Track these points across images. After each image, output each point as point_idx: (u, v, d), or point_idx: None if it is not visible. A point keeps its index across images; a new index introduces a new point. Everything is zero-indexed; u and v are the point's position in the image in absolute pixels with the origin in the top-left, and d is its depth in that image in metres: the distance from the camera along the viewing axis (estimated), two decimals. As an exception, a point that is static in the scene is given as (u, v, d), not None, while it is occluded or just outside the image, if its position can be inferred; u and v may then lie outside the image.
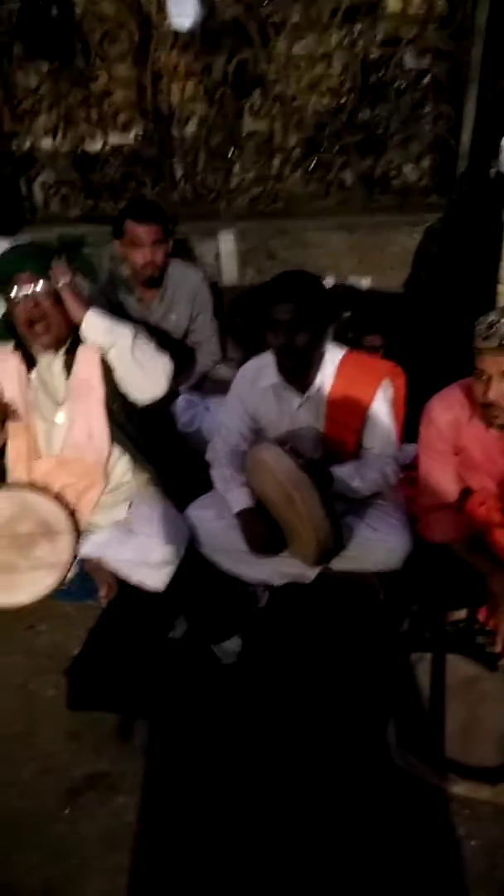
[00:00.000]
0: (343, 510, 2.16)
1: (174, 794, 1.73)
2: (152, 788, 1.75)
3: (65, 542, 2.18)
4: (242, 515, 2.14)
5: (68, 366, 2.19)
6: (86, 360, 2.17)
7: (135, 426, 2.25)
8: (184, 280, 2.92)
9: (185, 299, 2.93)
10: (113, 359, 2.15)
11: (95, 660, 2.00)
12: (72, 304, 2.10)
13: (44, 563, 2.18)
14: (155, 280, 2.82)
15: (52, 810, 1.72)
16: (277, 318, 2.02)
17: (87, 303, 2.14)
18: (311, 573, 2.16)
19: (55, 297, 2.09)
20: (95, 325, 2.12)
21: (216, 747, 1.82)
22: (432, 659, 1.87)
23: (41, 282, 2.06)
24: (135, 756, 1.82)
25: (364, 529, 2.13)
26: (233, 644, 2.03)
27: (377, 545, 2.11)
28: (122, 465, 2.27)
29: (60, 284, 2.08)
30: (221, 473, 2.25)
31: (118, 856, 1.62)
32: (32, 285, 2.05)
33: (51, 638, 2.17)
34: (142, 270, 2.75)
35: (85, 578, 2.26)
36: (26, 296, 2.05)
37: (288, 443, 2.04)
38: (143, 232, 2.68)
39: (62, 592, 2.25)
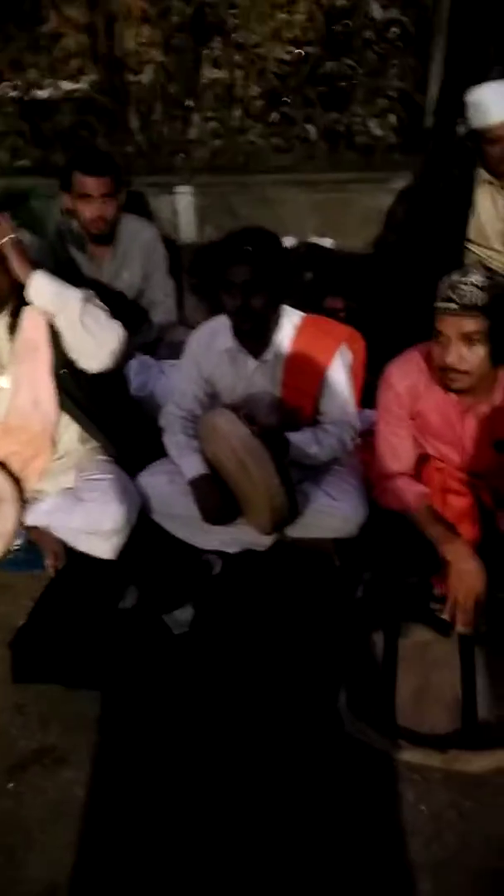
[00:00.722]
0: (299, 477, 2.11)
1: (123, 767, 1.70)
2: (101, 762, 1.71)
3: (8, 511, 2.09)
4: (196, 483, 2.08)
5: (12, 328, 2.07)
6: (32, 322, 2.05)
7: (84, 392, 2.14)
8: (137, 236, 2.80)
9: (138, 256, 2.81)
10: (61, 325, 2.01)
11: (41, 631, 1.93)
12: (17, 264, 1.97)
13: (-13, 533, 2.10)
14: (106, 236, 2.70)
15: (-4, 785, 1.68)
16: (233, 280, 1.94)
17: (34, 263, 2.02)
18: (266, 541, 2.12)
19: None
20: (42, 288, 1.99)
21: (167, 719, 1.79)
22: (385, 625, 1.85)
23: None
24: (83, 729, 1.78)
25: (320, 496, 2.09)
26: (184, 613, 1.98)
27: (333, 512, 2.07)
28: (70, 433, 2.17)
29: (4, 241, 1.95)
30: (175, 440, 2.18)
31: (64, 831, 1.58)
32: None
33: (-4, 609, 2.11)
34: (91, 225, 2.62)
35: (30, 548, 2.19)
36: None
37: (242, 409, 1.98)
38: (92, 184, 2.54)
39: (7, 562, 2.18)
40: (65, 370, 2.08)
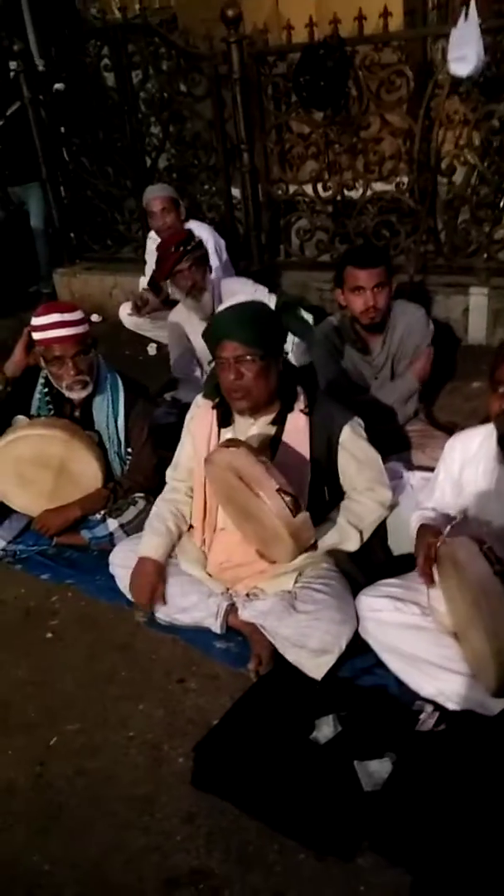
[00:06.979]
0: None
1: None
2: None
3: None
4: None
5: (275, 442, 2.03)
6: (294, 437, 2.02)
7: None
8: (410, 319, 2.71)
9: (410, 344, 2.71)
10: None
11: (226, 742, 1.82)
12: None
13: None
14: (378, 325, 2.65)
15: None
16: (499, 379, 1.71)
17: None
18: (493, 705, 1.78)
19: (263, 367, 1.93)
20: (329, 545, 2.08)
21: (335, 881, 1.55)
22: None
23: (247, 350, 1.90)
24: (246, 864, 1.62)
25: None
26: (381, 766, 1.72)
27: None
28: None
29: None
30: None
31: None
32: (237, 352, 1.91)
33: (196, 699, 2.03)
34: (363, 316, 2.59)
35: (245, 643, 2.12)
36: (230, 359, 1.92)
37: (486, 543, 1.71)
38: (364, 277, 2.53)
39: (218, 653, 2.14)
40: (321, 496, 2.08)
